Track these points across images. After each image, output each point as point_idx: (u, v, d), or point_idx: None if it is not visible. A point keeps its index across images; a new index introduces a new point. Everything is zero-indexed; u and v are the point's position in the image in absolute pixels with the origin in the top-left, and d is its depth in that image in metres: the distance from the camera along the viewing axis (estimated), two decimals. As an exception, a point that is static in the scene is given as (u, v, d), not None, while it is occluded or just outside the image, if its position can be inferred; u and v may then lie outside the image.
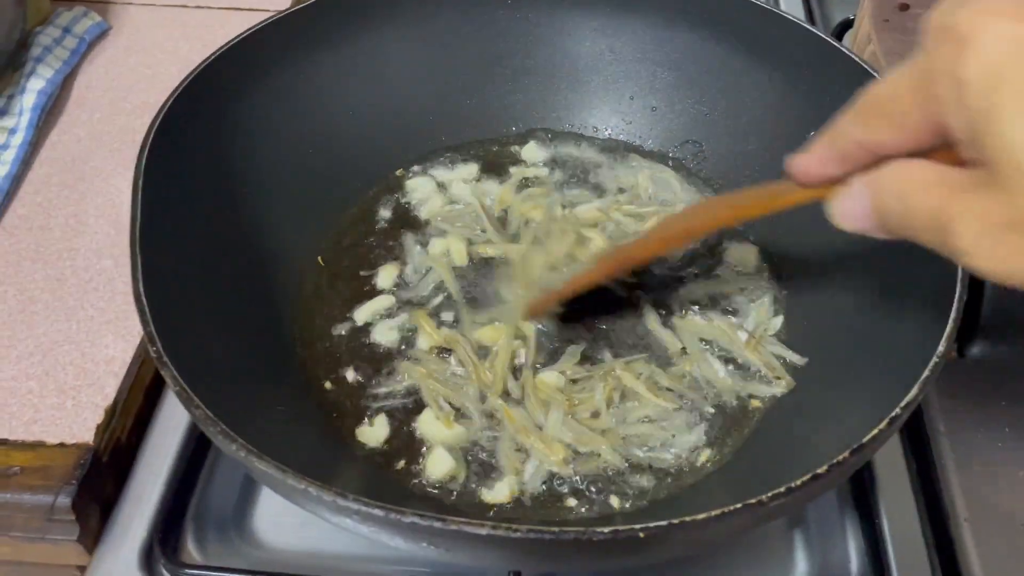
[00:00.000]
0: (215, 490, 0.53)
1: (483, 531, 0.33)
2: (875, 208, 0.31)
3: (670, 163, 0.65)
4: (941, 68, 0.27)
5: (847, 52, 0.55)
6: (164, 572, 0.49)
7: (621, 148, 0.67)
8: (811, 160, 0.34)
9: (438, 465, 0.49)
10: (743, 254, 0.60)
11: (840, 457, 0.35)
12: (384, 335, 0.55)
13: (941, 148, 0.29)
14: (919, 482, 0.54)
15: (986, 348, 0.58)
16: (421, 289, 0.58)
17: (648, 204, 0.63)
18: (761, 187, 0.40)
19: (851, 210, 0.33)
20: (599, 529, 0.32)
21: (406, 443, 0.50)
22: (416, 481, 0.48)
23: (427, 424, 0.50)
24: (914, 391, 0.37)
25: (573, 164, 0.66)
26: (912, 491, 0.53)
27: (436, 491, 0.48)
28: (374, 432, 0.50)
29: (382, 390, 0.52)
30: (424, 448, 0.50)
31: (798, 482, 0.34)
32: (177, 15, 0.83)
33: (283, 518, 0.52)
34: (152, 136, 0.48)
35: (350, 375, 0.53)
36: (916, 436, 0.56)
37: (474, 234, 0.61)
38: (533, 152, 0.66)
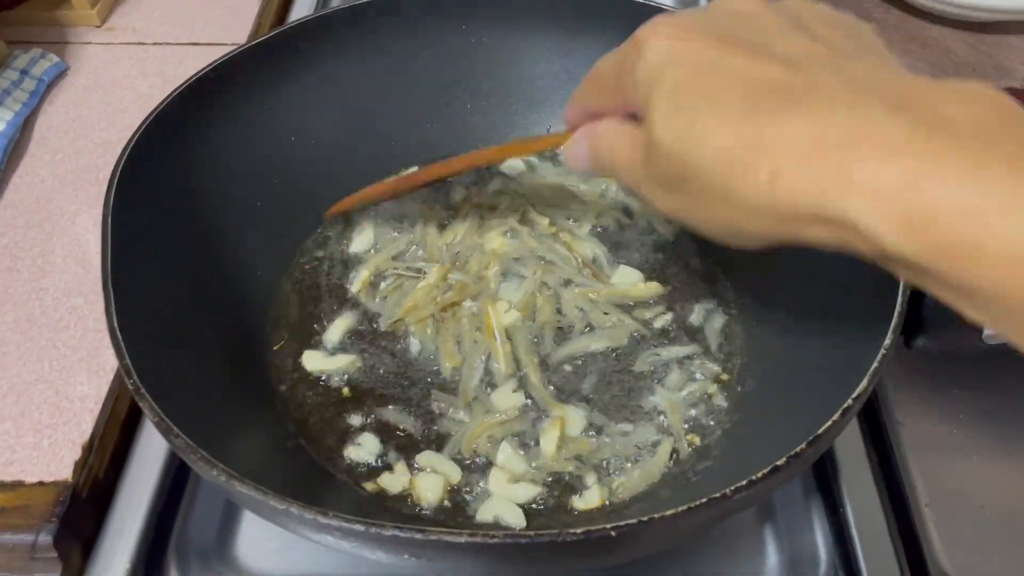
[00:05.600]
0: (196, 520, 0.54)
1: (461, 539, 0.34)
2: (591, 153, 0.41)
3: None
4: (626, 66, 0.36)
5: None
6: (149, 604, 0.49)
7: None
8: (572, 113, 0.43)
9: (430, 491, 0.50)
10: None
11: (798, 449, 0.37)
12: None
13: None
14: (880, 472, 0.56)
15: (932, 339, 0.61)
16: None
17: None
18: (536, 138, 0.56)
19: (575, 153, 0.42)
20: (572, 530, 0.34)
21: (386, 462, 0.51)
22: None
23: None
24: (864, 382, 0.39)
25: (529, 181, 0.68)
26: (874, 481, 0.55)
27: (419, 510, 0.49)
28: (357, 451, 0.52)
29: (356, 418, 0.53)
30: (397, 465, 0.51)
31: (759, 475, 0.36)
32: (135, 52, 0.84)
33: (265, 543, 0.53)
34: (118, 173, 0.48)
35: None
36: (875, 427, 0.58)
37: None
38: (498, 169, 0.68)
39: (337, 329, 0.58)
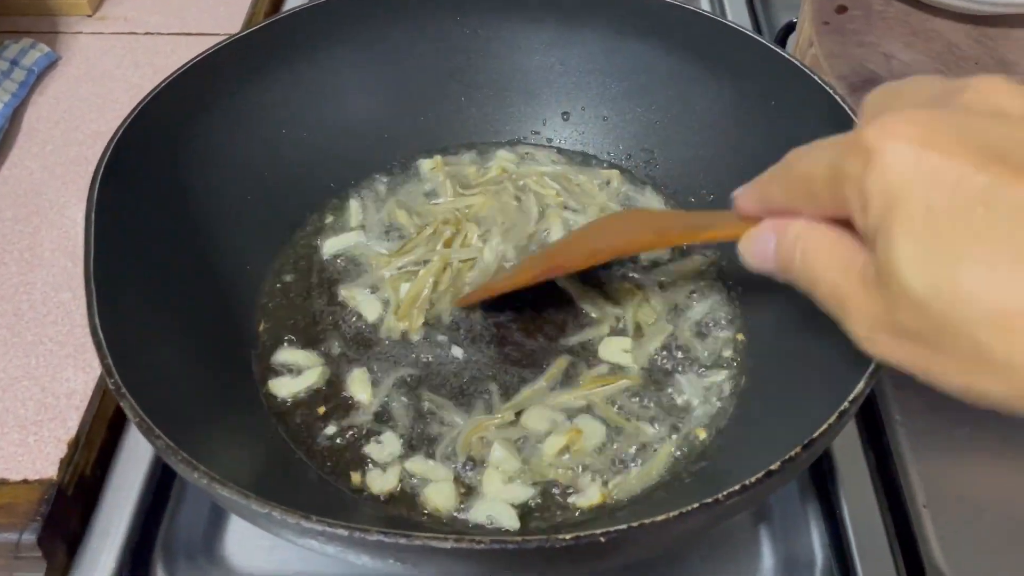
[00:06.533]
0: (183, 519, 0.53)
1: (447, 544, 0.33)
2: (779, 257, 0.34)
3: (622, 171, 0.67)
4: (849, 174, 0.28)
5: (788, 57, 0.57)
6: (135, 604, 0.49)
7: (575, 158, 0.68)
8: (747, 199, 0.37)
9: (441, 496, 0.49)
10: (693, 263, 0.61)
11: (792, 453, 0.36)
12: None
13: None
14: (878, 472, 0.56)
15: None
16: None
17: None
18: (693, 214, 0.42)
19: (756, 249, 0.36)
20: (561, 536, 0.33)
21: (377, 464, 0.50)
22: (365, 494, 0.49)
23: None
24: (861, 384, 0.38)
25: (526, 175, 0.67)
26: (871, 481, 0.55)
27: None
28: (345, 452, 0.51)
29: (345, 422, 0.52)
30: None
31: (752, 479, 0.35)
32: (127, 43, 0.82)
33: (253, 542, 0.52)
34: (103, 166, 0.47)
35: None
36: (873, 427, 0.57)
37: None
38: (494, 161, 0.67)
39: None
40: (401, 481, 0.49)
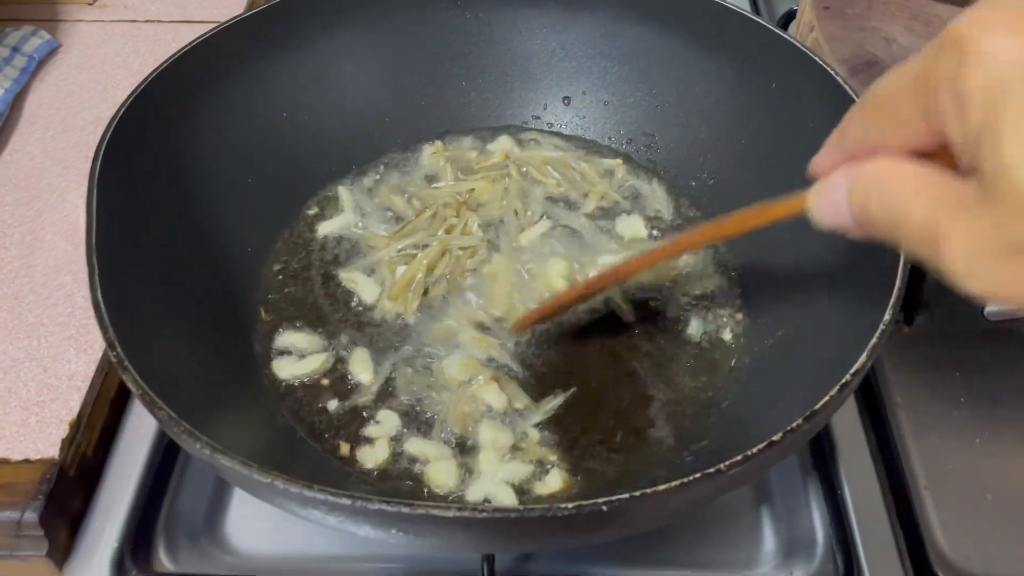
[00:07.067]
0: (185, 499, 0.53)
1: (449, 514, 0.33)
2: (854, 204, 0.30)
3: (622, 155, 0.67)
4: (942, 77, 0.25)
5: (790, 39, 0.57)
6: (136, 582, 0.49)
7: (578, 144, 0.68)
8: (823, 159, 0.32)
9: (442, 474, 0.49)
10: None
11: (794, 424, 0.36)
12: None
13: (945, 151, 0.27)
14: (879, 454, 0.56)
15: (932, 318, 0.60)
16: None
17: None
18: (748, 208, 0.39)
19: (826, 202, 0.31)
20: (563, 505, 0.33)
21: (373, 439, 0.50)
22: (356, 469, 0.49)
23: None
24: (863, 358, 0.38)
25: (529, 160, 0.67)
26: (873, 463, 0.55)
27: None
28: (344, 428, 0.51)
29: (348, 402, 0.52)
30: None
31: (753, 450, 0.35)
32: (127, 30, 0.82)
33: (254, 523, 0.52)
34: (106, 143, 0.47)
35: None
36: (874, 409, 0.57)
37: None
38: (495, 146, 0.67)
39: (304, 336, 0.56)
40: (395, 457, 0.49)
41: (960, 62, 0.24)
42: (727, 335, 0.55)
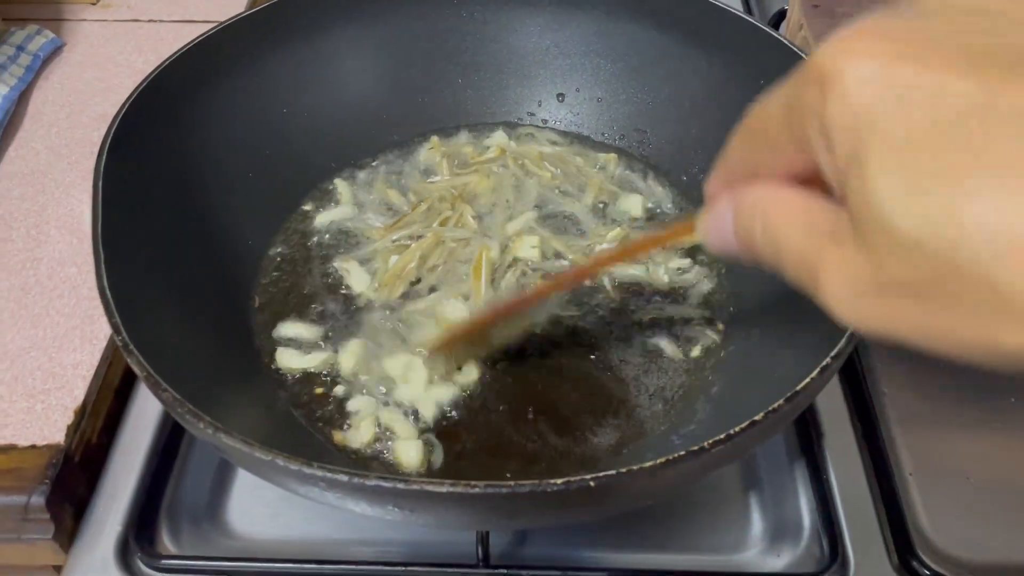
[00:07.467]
0: (188, 484, 0.54)
1: (443, 489, 0.34)
2: (738, 231, 0.29)
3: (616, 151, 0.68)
4: (807, 108, 0.24)
5: (779, 37, 0.58)
6: (140, 565, 0.50)
7: (572, 140, 0.69)
8: (713, 181, 0.31)
9: (407, 454, 0.50)
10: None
11: (775, 404, 0.37)
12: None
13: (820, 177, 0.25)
14: (865, 442, 0.57)
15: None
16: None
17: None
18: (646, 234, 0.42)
19: (713, 228, 0.31)
20: (552, 481, 0.34)
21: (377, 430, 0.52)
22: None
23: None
24: (843, 341, 0.39)
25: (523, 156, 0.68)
26: (859, 451, 0.56)
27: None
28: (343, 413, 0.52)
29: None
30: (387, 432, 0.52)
31: (736, 429, 0.36)
32: (131, 29, 0.84)
33: (255, 507, 0.54)
34: (109, 141, 0.49)
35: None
36: (860, 398, 0.58)
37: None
38: (492, 141, 0.69)
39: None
40: (378, 441, 0.51)
41: (824, 94, 0.23)
42: (714, 325, 0.56)
